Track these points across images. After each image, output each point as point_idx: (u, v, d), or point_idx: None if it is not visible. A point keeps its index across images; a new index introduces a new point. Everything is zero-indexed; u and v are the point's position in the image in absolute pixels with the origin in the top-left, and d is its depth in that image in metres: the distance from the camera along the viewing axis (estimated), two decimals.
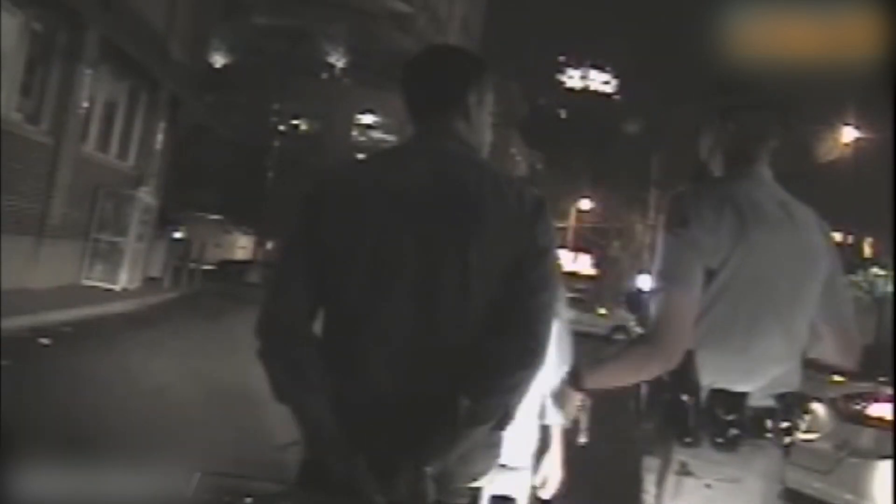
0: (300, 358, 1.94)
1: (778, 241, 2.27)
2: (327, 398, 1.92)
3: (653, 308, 2.22)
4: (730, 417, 2.19)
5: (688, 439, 2.20)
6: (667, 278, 2.21)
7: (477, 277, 1.95)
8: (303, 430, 1.95)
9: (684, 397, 2.20)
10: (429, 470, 1.83)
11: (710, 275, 2.21)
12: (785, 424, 2.25)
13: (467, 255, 1.95)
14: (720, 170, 2.42)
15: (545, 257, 2.01)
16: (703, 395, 2.20)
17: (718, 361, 2.21)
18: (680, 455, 2.21)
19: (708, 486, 2.20)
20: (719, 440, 2.19)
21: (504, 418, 1.95)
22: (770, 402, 2.23)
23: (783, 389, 2.26)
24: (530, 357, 1.96)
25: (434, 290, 1.95)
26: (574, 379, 2.36)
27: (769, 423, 2.23)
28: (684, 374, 2.20)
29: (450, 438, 1.89)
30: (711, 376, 2.21)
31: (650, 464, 2.33)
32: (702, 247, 2.20)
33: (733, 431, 2.19)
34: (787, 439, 2.27)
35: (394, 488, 1.83)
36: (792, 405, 2.27)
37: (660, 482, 2.25)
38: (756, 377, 2.23)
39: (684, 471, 2.21)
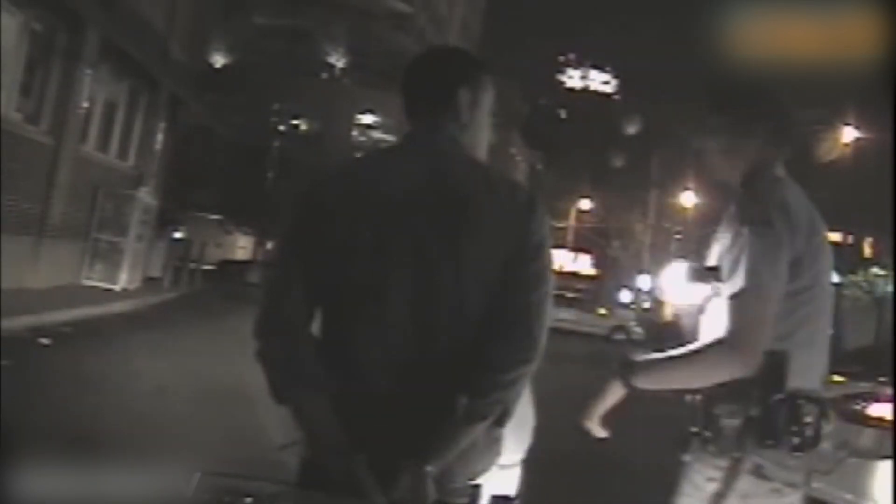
0: (299, 358, 1.94)
1: (825, 236, 2.34)
2: (326, 398, 1.92)
3: (733, 308, 2.18)
4: (809, 419, 2.20)
5: (770, 441, 2.17)
6: (752, 279, 2.17)
7: (472, 275, 1.96)
8: (302, 431, 1.95)
9: (775, 398, 2.17)
10: (429, 469, 1.84)
11: (793, 276, 2.21)
12: (827, 428, 2.28)
13: (462, 254, 1.96)
14: (745, 173, 2.40)
15: (540, 254, 2.02)
16: (788, 395, 2.19)
17: (798, 360, 2.21)
18: (756, 457, 2.19)
19: (776, 490, 2.21)
20: (797, 443, 2.19)
21: (503, 415, 1.96)
22: (825, 401, 2.27)
23: (821, 392, 2.30)
24: (527, 353, 1.97)
25: (430, 288, 1.96)
26: (625, 374, 2.30)
27: (826, 428, 2.25)
28: (774, 373, 2.17)
29: (449, 437, 1.89)
30: (792, 376, 2.20)
31: (710, 462, 2.26)
32: (785, 247, 2.20)
33: (808, 434, 2.20)
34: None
35: (394, 488, 1.83)
36: (826, 407, 2.29)
37: (727, 483, 2.21)
38: (817, 374, 2.28)
39: (758, 473, 2.19)
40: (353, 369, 1.97)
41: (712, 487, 2.22)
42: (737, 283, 2.17)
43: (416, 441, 1.87)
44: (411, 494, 1.82)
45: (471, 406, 1.89)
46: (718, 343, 2.18)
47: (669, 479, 2.37)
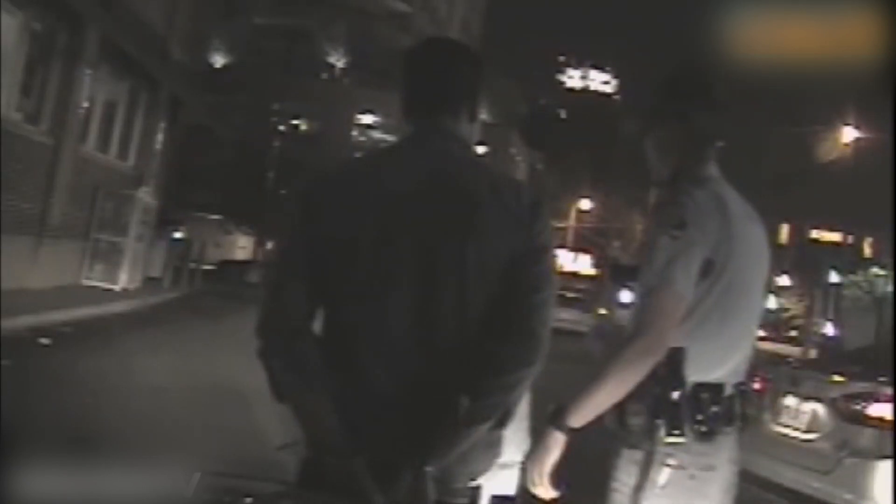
0: (300, 356, 1.94)
1: (750, 235, 2.39)
2: (327, 397, 1.92)
3: (644, 305, 2.28)
4: (713, 409, 2.30)
5: (676, 432, 2.28)
6: (664, 278, 2.25)
7: (475, 276, 1.95)
8: (303, 429, 1.95)
9: (675, 392, 2.28)
10: (429, 470, 1.83)
11: (703, 273, 2.28)
12: (746, 411, 2.38)
13: (465, 254, 1.95)
14: (672, 170, 2.47)
15: (543, 256, 2.02)
16: (689, 388, 2.29)
17: (700, 355, 2.30)
18: (667, 448, 2.29)
19: (692, 476, 2.30)
20: (703, 431, 2.29)
21: (504, 417, 1.95)
22: (733, 391, 2.36)
23: (740, 378, 2.39)
24: (529, 355, 1.96)
25: (433, 289, 1.95)
26: (557, 420, 2.28)
27: (737, 411, 2.35)
28: (673, 369, 2.28)
29: (450, 438, 1.89)
30: (693, 369, 2.30)
31: (628, 457, 2.37)
32: (698, 248, 2.27)
33: (713, 422, 2.30)
34: (743, 425, 2.39)
35: (394, 488, 1.83)
36: (748, 392, 2.41)
37: (644, 475, 2.31)
38: (724, 367, 2.34)
39: (671, 463, 2.29)
40: (355, 369, 1.97)
41: (633, 481, 2.34)
42: (650, 281, 2.27)
43: (417, 441, 1.87)
44: (411, 495, 1.82)
45: (472, 408, 1.89)
46: (629, 342, 2.26)
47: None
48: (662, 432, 2.29)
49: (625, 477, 2.37)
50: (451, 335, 1.96)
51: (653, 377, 2.26)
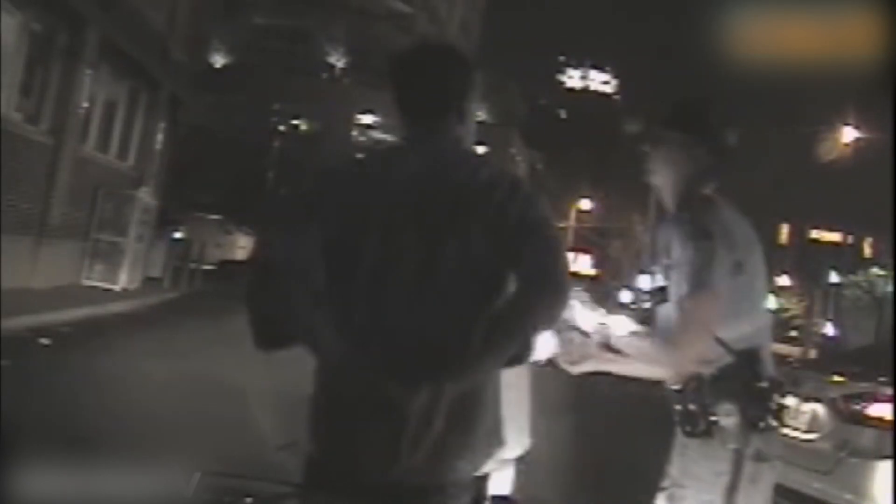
0: (290, 291, 1.95)
1: (759, 250, 2.64)
2: (325, 322, 1.94)
3: (681, 312, 2.48)
4: (780, 400, 2.52)
5: (763, 425, 2.47)
6: (699, 282, 2.46)
7: (473, 273, 1.96)
8: (312, 348, 1.96)
9: (759, 386, 2.47)
10: (448, 386, 1.87)
11: (734, 273, 2.50)
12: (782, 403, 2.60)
13: (466, 254, 1.95)
14: (678, 188, 2.68)
15: (547, 227, 2.05)
16: (768, 384, 2.50)
17: (764, 351, 2.55)
18: (757, 442, 2.47)
19: (772, 466, 2.53)
20: (776, 423, 2.52)
21: (523, 349, 1.97)
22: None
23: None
24: (551, 299, 1.99)
25: (432, 287, 1.96)
26: (592, 335, 2.57)
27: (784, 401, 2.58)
28: (752, 369, 2.47)
29: (469, 360, 1.90)
30: (767, 366, 2.53)
31: (712, 460, 2.48)
32: (724, 255, 2.49)
33: (779, 412, 2.52)
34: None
35: (397, 400, 1.86)
36: (782, 384, 2.62)
37: (736, 472, 2.45)
38: (770, 361, 2.60)
39: (759, 456, 2.48)
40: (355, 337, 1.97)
41: (723, 480, 2.46)
42: (683, 288, 2.48)
43: (434, 360, 1.89)
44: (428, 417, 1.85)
45: (488, 332, 1.91)
46: (665, 343, 2.53)
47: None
48: (753, 427, 2.45)
49: (712, 478, 2.47)
50: (451, 332, 1.95)
51: (735, 378, 2.45)
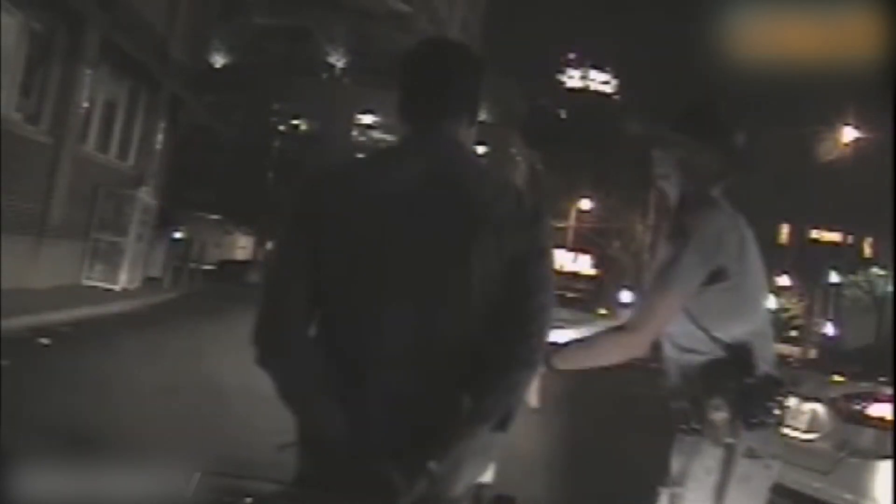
0: (299, 361, 1.94)
1: (754, 253, 2.62)
2: (330, 400, 1.91)
3: (638, 303, 2.55)
4: (778, 399, 2.50)
5: (755, 420, 2.44)
6: (661, 280, 2.49)
7: (476, 278, 1.95)
8: (308, 431, 1.95)
9: (750, 381, 2.45)
10: (432, 466, 1.83)
11: (711, 280, 2.48)
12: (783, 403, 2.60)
13: (466, 257, 1.95)
14: (680, 189, 2.68)
15: (543, 259, 2.02)
16: (760, 381, 2.47)
17: (761, 349, 2.52)
18: (748, 440, 2.44)
19: (767, 465, 2.49)
20: (771, 421, 2.49)
21: (506, 417, 1.95)
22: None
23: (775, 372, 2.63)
24: (529, 357, 1.97)
25: (432, 291, 1.95)
26: (545, 360, 2.49)
27: (785, 402, 2.62)
28: (745, 363, 2.46)
29: (453, 436, 1.88)
30: (761, 363, 2.50)
31: (704, 456, 2.47)
32: (700, 257, 2.48)
33: (777, 412, 2.51)
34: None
35: (396, 486, 1.83)
36: (783, 384, 2.63)
37: (726, 469, 2.44)
38: (771, 361, 2.57)
39: (751, 454, 2.45)
40: (355, 371, 1.96)
41: (713, 478, 2.45)
42: (648, 281, 2.57)
43: (418, 440, 1.87)
44: (414, 493, 1.82)
45: (475, 407, 1.89)
46: (618, 328, 2.58)
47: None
48: (743, 423, 2.43)
49: (702, 475, 2.47)
50: (451, 335, 1.95)
51: (726, 373, 2.45)
